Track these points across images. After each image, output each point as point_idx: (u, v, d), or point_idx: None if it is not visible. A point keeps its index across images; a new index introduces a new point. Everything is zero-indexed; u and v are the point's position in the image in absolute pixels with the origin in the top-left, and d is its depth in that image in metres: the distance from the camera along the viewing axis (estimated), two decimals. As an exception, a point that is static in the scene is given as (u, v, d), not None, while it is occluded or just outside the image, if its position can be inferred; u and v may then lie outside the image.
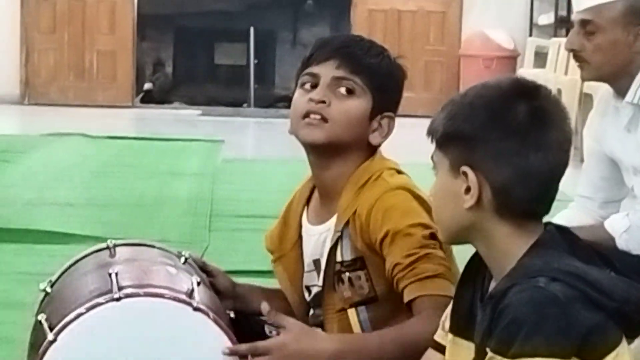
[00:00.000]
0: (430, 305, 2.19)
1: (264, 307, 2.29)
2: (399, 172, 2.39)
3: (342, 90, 2.41)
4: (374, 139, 2.45)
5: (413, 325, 2.25)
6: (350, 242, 2.38)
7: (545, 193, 1.94)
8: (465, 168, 1.90)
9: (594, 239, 2.77)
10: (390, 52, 2.52)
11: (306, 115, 2.41)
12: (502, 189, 1.90)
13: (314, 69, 2.42)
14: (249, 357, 2.24)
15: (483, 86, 1.98)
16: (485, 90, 1.97)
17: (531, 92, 1.94)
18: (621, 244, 3.06)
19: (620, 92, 3.18)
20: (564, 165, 1.94)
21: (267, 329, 2.62)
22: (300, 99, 2.43)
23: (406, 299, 2.26)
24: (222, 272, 2.64)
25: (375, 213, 2.31)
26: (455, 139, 1.93)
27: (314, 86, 2.42)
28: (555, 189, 1.95)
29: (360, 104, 2.42)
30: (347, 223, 2.39)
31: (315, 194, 2.54)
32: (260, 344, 2.24)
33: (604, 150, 3.33)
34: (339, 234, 2.39)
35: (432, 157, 1.99)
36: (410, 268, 2.24)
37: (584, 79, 3.39)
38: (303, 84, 2.44)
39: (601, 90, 3.44)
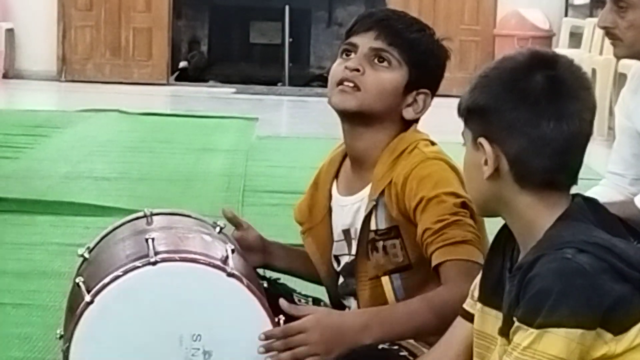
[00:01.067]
0: (458, 270, 2.21)
1: (282, 302, 2.31)
2: (433, 143, 2.41)
3: (378, 60, 2.43)
4: (407, 113, 2.47)
5: (440, 294, 2.27)
6: (386, 211, 2.40)
7: (564, 163, 1.94)
8: (481, 139, 1.91)
9: (624, 214, 2.78)
10: (436, 31, 2.52)
11: (340, 82, 2.44)
12: (518, 158, 1.91)
13: (354, 39, 2.46)
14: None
15: (503, 59, 2.00)
16: (503, 63, 1.98)
17: (548, 62, 1.95)
18: None
19: None
20: (585, 135, 1.95)
21: (295, 297, 2.66)
22: (338, 67, 2.46)
23: (434, 262, 2.29)
24: (252, 227, 2.67)
25: (411, 181, 2.34)
26: (473, 111, 1.95)
27: (350, 52, 2.46)
28: (578, 160, 1.95)
29: (394, 76, 2.44)
30: (382, 192, 2.41)
31: (345, 166, 2.56)
32: (294, 324, 2.26)
33: (635, 127, 3.33)
34: (374, 203, 2.41)
35: (462, 134, 2.00)
36: (440, 233, 2.27)
37: (617, 56, 3.39)
38: (342, 53, 2.48)
39: (633, 68, 3.44)
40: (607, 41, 8.58)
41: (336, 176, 2.58)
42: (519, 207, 1.94)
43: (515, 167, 1.92)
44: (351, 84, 2.43)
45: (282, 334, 2.25)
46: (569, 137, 1.93)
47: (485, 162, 1.92)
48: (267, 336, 2.24)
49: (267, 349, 2.24)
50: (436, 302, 2.27)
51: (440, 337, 2.20)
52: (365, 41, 2.43)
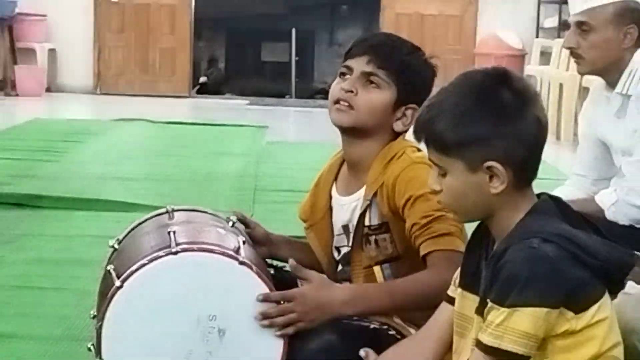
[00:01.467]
0: (442, 258, 2.22)
1: (291, 262, 2.35)
2: (419, 150, 2.40)
3: (369, 82, 2.44)
4: (397, 126, 2.48)
5: (423, 277, 2.29)
6: (377, 209, 2.42)
7: (540, 158, 1.97)
8: (490, 163, 1.90)
9: (586, 211, 2.79)
10: (424, 51, 2.52)
11: (337, 101, 2.46)
12: (521, 165, 1.93)
13: (350, 62, 2.46)
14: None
15: (460, 87, 2.00)
16: (468, 90, 1.98)
17: (505, 78, 1.96)
18: (609, 215, 3.06)
19: (611, 84, 3.19)
20: (547, 131, 1.99)
21: (299, 283, 2.67)
22: (335, 86, 2.48)
23: (422, 253, 2.30)
24: (259, 224, 2.68)
25: (400, 182, 2.35)
26: (469, 143, 1.92)
27: (346, 74, 2.47)
28: None
29: (384, 96, 2.44)
30: (375, 194, 2.42)
31: (343, 170, 2.57)
32: (287, 292, 2.29)
33: (597, 135, 3.33)
34: (368, 202, 2.43)
35: (431, 159, 2.00)
36: (427, 227, 2.28)
37: (580, 73, 3.39)
38: (341, 74, 2.48)
39: (595, 83, 3.45)
40: (572, 59, 8.60)
41: (335, 179, 2.59)
42: (509, 207, 1.95)
43: (517, 174, 1.93)
44: (346, 104, 2.45)
45: (277, 298, 2.27)
46: (543, 135, 1.96)
47: (491, 180, 1.92)
48: (264, 298, 2.26)
49: (264, 316, 2.25)
50: (418, 284, 2.28)
51: (424, 317, 2.21)
52: (359, 65, 2.44)
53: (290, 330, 2.27)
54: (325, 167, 2.64)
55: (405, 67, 2.46)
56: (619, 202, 3.09)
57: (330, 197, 2.58)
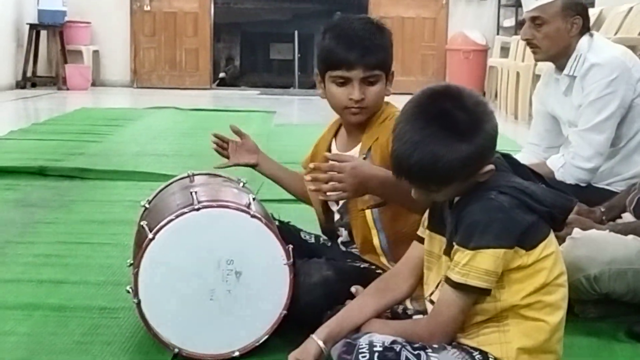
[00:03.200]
0: None
1: (327, 154, 2.31)
2: None
3: (370, 83, 2.39)
4: (387, 93, 2.45)
5: None
6: (371, 161, 2.39)
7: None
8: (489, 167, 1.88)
9: (539, 173, 2.81)
10: (374, 18, 2.45)
11: (348, 107, 2.41)
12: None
13: (345, 74, 2.37)
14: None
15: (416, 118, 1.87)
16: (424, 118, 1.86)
17: (453, 96, 1.86)
18: (558, 176, 3.08)
19: (560, 67, 3.20)
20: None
21: (302, 234, 2.66)
22: (341, 95, 2.40)
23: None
24: (249, 136, 2.71)
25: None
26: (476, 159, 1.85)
27: (345, 82, 2.38)
28: None
29: (381, 85, 2.42)
30: (369, 148, 2.41)
31: (342, 131, 2.56)
32: (337, 164, 2.22)
33: (547, 110, 3.34)
34: (364, 156, 2.41)
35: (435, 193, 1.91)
36: None
37: (537, 60, 3.39)
38: (336, 81, 2.39)
39: (545, 67, 3.44)
40: (527, 52, 8.58)
41: (335, 136, 2.57)
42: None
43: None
44: (359, 109, 2.40)
45: (328, 168, 2.22)
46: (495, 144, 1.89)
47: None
48: (316, 167, 2.23)
49: (313, 178, 2.21)
50: None
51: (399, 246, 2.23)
52: (356, 74, 2.37)
53: (334, 197, 2.22)
54: (325, 130, 2.63)
55: (386, 51, 2.41)
56: (566, 165, 3.10)
57: (330, 151, 2.56)
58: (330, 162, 2.26)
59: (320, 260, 2.38)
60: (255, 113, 8.89)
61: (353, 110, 2.40)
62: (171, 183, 2.60)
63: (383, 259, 2.44)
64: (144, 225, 2.30)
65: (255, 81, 13.42)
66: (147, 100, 9.92)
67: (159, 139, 6.82)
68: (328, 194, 2.24)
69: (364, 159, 2.41)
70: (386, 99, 2.48)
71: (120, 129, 7.34)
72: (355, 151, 2.46)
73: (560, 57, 3.15)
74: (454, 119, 1.80)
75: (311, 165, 2.26)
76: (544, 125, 3.38)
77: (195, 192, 2.29)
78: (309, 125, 7.81)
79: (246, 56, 14.79)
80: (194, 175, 2.57)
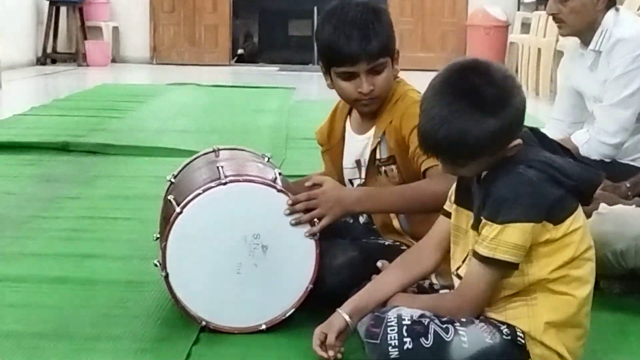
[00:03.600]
0: (439, 172, 2.14)
1: (307, 183, 2.34)
2: (419, 92, 2.39)
3: (377, 72, 2.36)
4: (395, 71, 2.42)
5: (425, 184, 2.27)
6: (386, 145, 2.40)
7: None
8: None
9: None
10: (370, 2, 2.39)
11: (359, 99, 2.38)
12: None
13: (351, 69, 2.34)
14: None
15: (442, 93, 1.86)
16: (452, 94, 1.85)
17: (481, 70, 1.84)
18: (583, 151, 3.06)
19: (585, 42, 3.17)
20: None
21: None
22: (349, 88, 2.37)
23: (423, 168, 2.29)
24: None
25: (406, 117, 2.34)
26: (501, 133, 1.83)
27: (352, 76, 2.35)
28: None
29: (389, 70, 2.39)
30: (383, 133, 2.41)
31: (355, 111, 2.52)
32: (310, 192, 2.28)
33: (572, 85, 3.32)
34: (378, 139, 2.41)
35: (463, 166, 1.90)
36: None
37: (562, 35, 3.35)
38: (342, 76, 2.36)
39: (571, 42, 3.42)
40: (548, 28, 8.49)
41: (349, 114, 2.56)
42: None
43: None
44: (370, 100, 2.39)
45: (304, 198, 2.26)
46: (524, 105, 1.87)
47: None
48: (293, 201, 2.25)
49: (291, 212, 2.24)
50: (415, 188, 2.27)
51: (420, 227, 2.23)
52: (362, 67, 2.33)
53: (316, 228, 2.25)
54: (340, 104, 2.59)
55: (387, 34, 2.36)
56: (591, 140, 3.08)
57: (344, 128, 2.55)
58: (305, 193, 2.27)
59: (344, 240, 2.38)
60: (275, 89, 8.88)
61: (364, 102, 2.38)
62: (196, 158, 2.60)
63: (408, 237, 2.44)
64: (171, 199, 2.31)
65: (274, 58, 13.37)
66: (167, 77, 9.93)
67: (180, 115, 6.83)
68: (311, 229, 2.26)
69: (379, 142, 2.41)
70: (404, 76, 2.47)
71: (141, 105, 7.35)
72: (370, 134, 2.45)
73: (586, 32, 3.13)
74: (482, 94, 1.79)
75: (289, 201, 2.25)
76: (569, 101, 3.36)
77: (222, 167, 2.29)
78: (328, 102, 7.77)
79: (264, 33, 14.75)
80: (219, 150, 2.58)
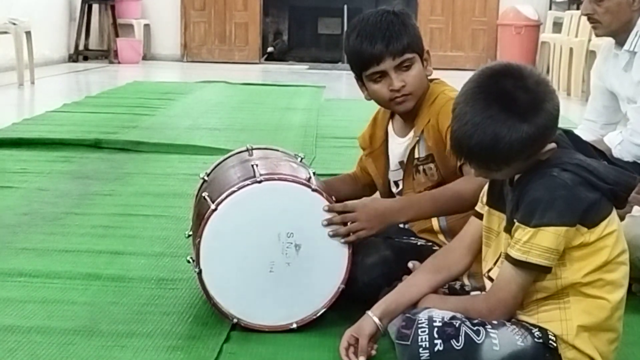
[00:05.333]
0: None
1: (329, 206, 2.29)
2: (455, 90, 2.40)
3: (404, 68, 2.37)
4: (427, 72, 2.44)
5: (458, 185, 2.27)
6: (425, 143, 2.40)
7: None
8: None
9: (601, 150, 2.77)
10: (390, 7, 2.42)
11: (393, 98, 2.40)
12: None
13: (378, 68, 2.36)
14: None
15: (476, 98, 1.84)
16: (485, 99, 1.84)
17: (514, 75, 1.83)
18: (616, 153, 3.04)
19: (620, 42, 3.15)
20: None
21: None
22: (381, 89, 2.39)
23: (459, 163, 2.29)
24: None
25: (442, 114, 2.33)
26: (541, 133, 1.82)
27: (382, 76, 2.37)
28: None
29: (418, 67, 2.40)
30: (422, 132, 2.41)
31: (397, 116, 2.55)
32: (349, 203, 2.29)
33: (606, 86, 3.30)
34: (417, 139, 2.42)
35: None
36: None
37: (597, 36, 3.32)
38: (373, 78, 2.38)
39: (604, 43, 3.40)
40: (581, 27, 8.42)
41: (391, 117, 2.57)
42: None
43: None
44: (403, 98, 2.39)
45: (340, 209, 2.25)
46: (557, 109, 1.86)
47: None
48: (329, 208, 2.25)
49: (329, 223, 2.24)
50: (450, 190, 2.27)
51: (457, 224, 2.22)
52: (388, 65, 2.35)
53: (352, 238, 2.25)
54: (381, 109, 2.61)
55: (410, 33, 2.38)
56: (624, 142, 3.06)
57: (387, 132, 2.57)
58: (342, 203, 2.27)
59: (377, 239, 2.38)
60: (305, 88, 8.89)
61: (398, 99, 2.39)
62: (229, 156, 2.61)
63: (441, 237, 2.44)
64: (206, 197, 2.32)
65: (303, 56, 13.39)
66: (197, 74, 9.97)
67: (211, 113, 6.85)
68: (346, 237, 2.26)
69: (417, 141, 2.41)
70: (435, 75, 2.47)
71: (172, 102, 7.39)
72: (410, 136, 2.46)
73: (621, 32, 3.11)
74: (514, 100, 1.78)
75: (325, 207, 2.26)
76: (602, 102, 3.34)
77: (256, 165, 2.30)
78: (358, 100, 7.76)
79: (294, 31, 14.75)
80: (252, 149, 2.59)
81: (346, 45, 2.42)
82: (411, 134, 2.46)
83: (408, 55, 2.35)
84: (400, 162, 2.52)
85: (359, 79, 2.44)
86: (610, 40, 3.24)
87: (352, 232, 2.26)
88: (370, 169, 2.63)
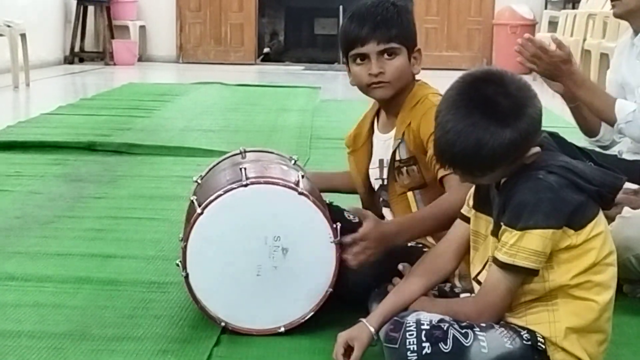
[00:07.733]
0: (455, 179, 2.15)
1: (350, 207, 2.35)
2: (439, 94, 2.40)
3: (387, 56, 2.38)
4: (415, 70, 2.44)
5: (445, 200, 2.26)
6: (406, 146, 2.40)
7: None
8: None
9: (602, 108, 2.76)
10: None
11: (371, 83, 2.40)
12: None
13: (361, 50, 2.38)
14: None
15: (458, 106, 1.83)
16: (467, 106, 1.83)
17: (495, 82, 1.82)
18: (621, 126, 2.87)
19: (637, 30, 3.12)
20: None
21: (345, 214, 2.67)
22: (361, 72, 2.40)
23: (439, 176, 2.29)
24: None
25: (425, 122, 2.33)
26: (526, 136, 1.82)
27: (364, 59, 2.38)
28: None
29: (402, 58, 2.39)
30: (403, 134, 2.41)
31: (382, 112, 2.56)
32: (356, 235, 2.21)
33: (617, 79, 3.26)
34: (399, 140, 2.42)
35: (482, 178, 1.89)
36: None
37: (615, 15, 3.24)
38: (355, 60, 2.40)
39: (620, 39, 3.37)
40: (576, 26, 8.40)
41: (377, 115, 2.57)
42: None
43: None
44: (381, 83, 2.40)
45: (350, 240, 2.22)
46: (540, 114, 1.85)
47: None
48: (337, 242, 2.23)
49: (354, 256, 2.21)
50: (442, 206, 2.26)
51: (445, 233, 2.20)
52: (371, 48, 2.37)
53: (363, 259, 2.22)
54: (368, 108, 2.64)
55: (401, 28, 2.38)
56: (636, 112, 2.93)
57: (373, 131, 2.57)
58: (356, 234, 2.21)
59: None
60: (300, 89, 8.89)
61: (374, 85, 2.39)
62: (224, 159, 2.62)
63: (429, 238, 2.44)
64: (194, 200, 2.32)
65: (300, 56, 13.40)
66: (193, 76, 9.97)
67: (206, 114, 6.85)
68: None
69: (399, 143, 2.41)
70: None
71: (167, 104, 7.39)
72: (392, 134, 2.46)
73: (638, 16, 3.08)
74: (496, 106, 1.78)
75: (348, 239, 2.22)
76: (617, 95, 3.30)
77: (245, 169, 2.29)
78: (354, 101, 7.78)
79: (290, 31, 14.76)
80: (245, 151, 2.59)
81: (341, 26, 2.45)
82: (392, 132, 2.47)
83: (394, 45, 2.36)
84: (380, 161, 2.52)
85: (346, 58, 2.45)
86: (628, 33, 3.21)
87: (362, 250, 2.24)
88: (351, 167, 2.63)
